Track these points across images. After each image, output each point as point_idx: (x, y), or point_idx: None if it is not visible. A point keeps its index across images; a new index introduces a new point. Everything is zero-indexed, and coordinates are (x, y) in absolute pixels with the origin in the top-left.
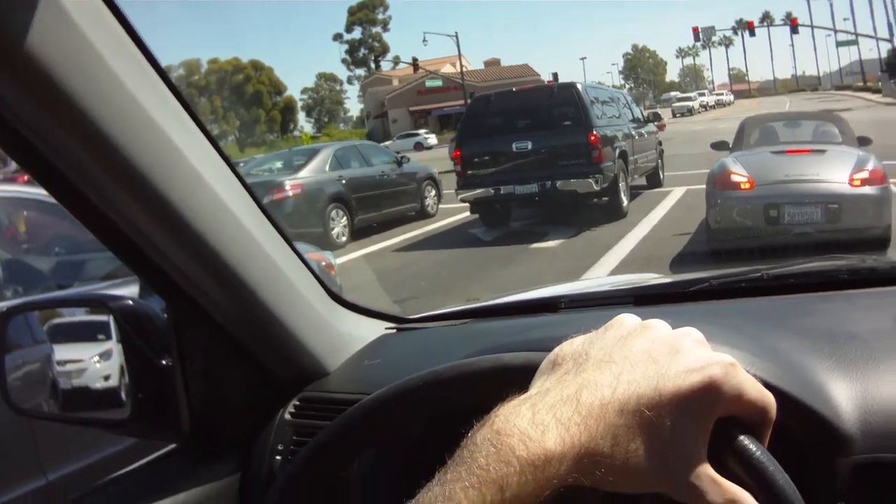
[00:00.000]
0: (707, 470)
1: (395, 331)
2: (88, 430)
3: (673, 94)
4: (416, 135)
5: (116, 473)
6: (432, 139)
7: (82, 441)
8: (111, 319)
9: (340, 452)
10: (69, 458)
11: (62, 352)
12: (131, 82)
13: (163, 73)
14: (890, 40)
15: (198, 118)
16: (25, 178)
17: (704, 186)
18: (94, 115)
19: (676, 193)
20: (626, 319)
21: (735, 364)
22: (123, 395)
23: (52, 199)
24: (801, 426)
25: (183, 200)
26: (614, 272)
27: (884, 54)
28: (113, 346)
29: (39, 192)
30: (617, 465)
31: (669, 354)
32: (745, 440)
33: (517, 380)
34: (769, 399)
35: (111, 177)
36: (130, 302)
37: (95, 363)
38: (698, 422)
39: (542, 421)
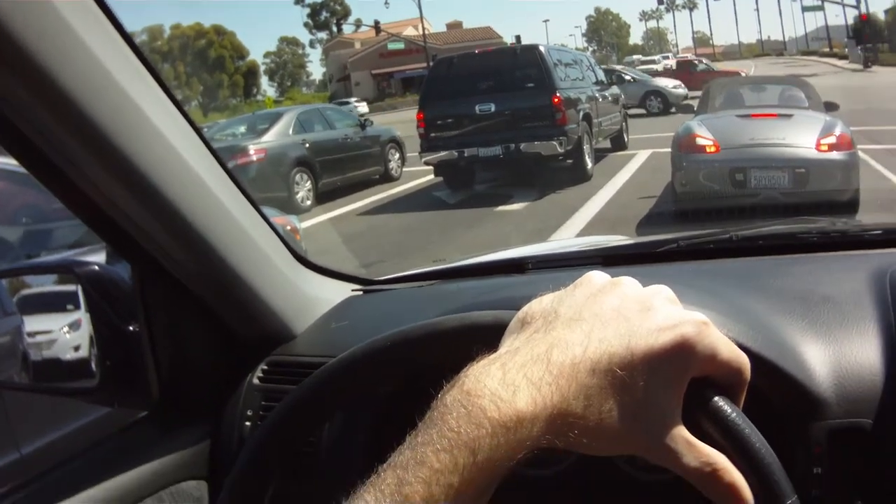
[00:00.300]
0: (682, 431)
1: (361, 293)
2: (61, 402)
3: (635, 57)
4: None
5: (86, 445)
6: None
7: (55, 413)
8: (79, 288)
9: (308, 416)
10: (42, 430)
11: (32, 323)
12: (94, 43)
13: (127, 37)
14: (856, 6)
15: (162, 81)
16: None
17: (669, 150)
18: (58, 77)
19: (641, 156)
20: (595, 277)
21: (708, 323)
22: (93, 365)
23: (16, 168)
24: (775, 389)
25: (146, 161)
26: (580, 234)
27: (850, 20)
28: (82, 316)
29: (3, 161)
30: (590, 426)
31: (641, 312)
32: (719, 401)
33: (486, 339)
34: (743, 359)
35: (76, 140)
36: (96, 267)
37: (65, 334)
38: (671, 381)
39: (512, 381)
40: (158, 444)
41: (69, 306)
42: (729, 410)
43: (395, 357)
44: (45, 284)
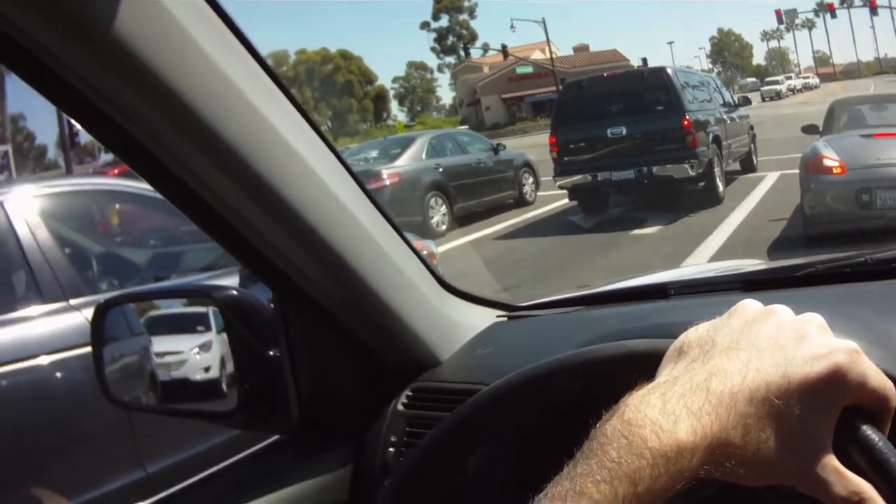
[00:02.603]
0: (832, 461)
1: (506, 319)
2: (185, 422)
3: (750, 80)
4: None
5: (220, 465)
6: None
7: (179, 434)
8: (211, 311)
9: (461, 443)
10: (167, 450)
11: (161, 344)
12: (234, 73)
13: (262, 62)
14: None
15: (297, 104)
16: (116, 171)
17: (797, 171)
18: (199, 107)
19: (770, 178)
20: (750, 305)
21: (859, 351)
22: (224, 387)
23: (144, 192)
24: None
25: (288, 185)
26: (714, 257)
27: None
28: (213, 337)
29: (131, 185)
30: (748, 456)
31: (795, 340)
32: (867, 430)
33: (642, 367)
34: (890, 386)
35: (215, 165)
36: (234, 292)
37: (195, 355)
38: (826, 410)
39: (672, 411)
40: (298, 468)
41: (199, 328)
42: (877, 439)
43: (551, 385)
44: (175, 306)
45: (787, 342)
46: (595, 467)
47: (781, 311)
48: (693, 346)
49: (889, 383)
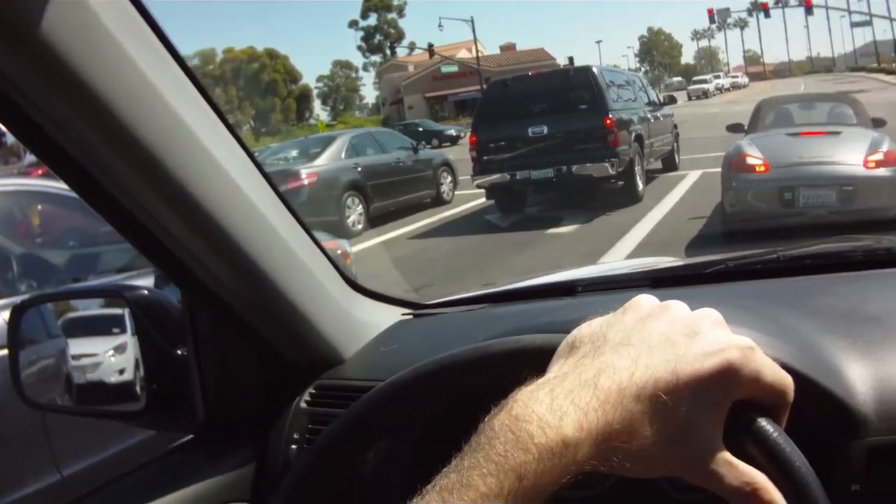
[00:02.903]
0: (723, 454)
1: (411, 317)
2: (102, 425)
3: (676, 79)
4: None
5: (131, 467)
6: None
7: (96, 436)
8: (126, 312)
9: (356, 438)
10: (83, 453)
11: (77, 346)
12: (149, 70)
13: (181, 61)
14: None
15: (215, 105)
16: (40, 171)
17: (720, 169)
18: (111, 103)
19: (692, 177)
20: (644, 301)
21: (753, 347)
22: (138, 389)
23: (65, 192)
24: (816, 408)
25: (198, 185)
26: (631, 256)
27: None
28: (128, 339)
29: (53, 186)
30: (634, 451)
31: (688, 336)
32: (762, 423)
33: (535, 362)
34: (787, 381)
35: (128, 163)
36: (146, 292)
37: (110, 357)
38: (715, 406)
39: (560, 407)
40: (203, 467)
41: (115, 329)
42: (771, 430)
43: (444, 381)
44: (91, 308)
45: (678, 338)
46: (482, 461)
47: (676, 307)
48: (585, 342)
49: (786, 378)
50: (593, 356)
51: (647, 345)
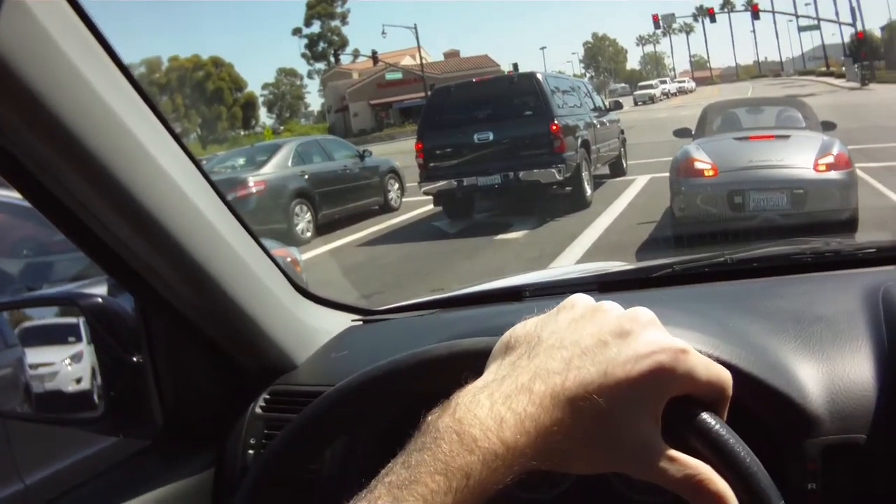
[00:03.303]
0: (662, 448)
1: (361, 323)
2: (65, 432)
3: (619, 85)
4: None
5: (91, 474)
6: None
7: (58, 444)
8: (81, 320)
9: (308, 443)
10: (45, 461)
11: (34, 355)
12: (95, 79)
13: (125, 71)
14: (853, 24)
15: (160, 114)
16: None
17: (668, 174)
18: (59, 112)
19: (640, 182)
20: (578, 301)
21: (686, 350)
22: (96, 398)
23: (18, 202)
24: (769, 409)
25: (146, 194)
26: (579, 262)
27: (847, 39)
28: (84, 348)
29: (5, 195)
30: (572, 451)
31: (619, 337)
32: (704, 416)
33: (473, 365)
34: (724, 375)
35: (76, 171)
36: (100, 300)
37: (67, 366)
38: (648, 406)
39: (499, 412)
40: (162, 473)
41: (71, 338)
42: (713, 423)
43: (389, 385)
44: (47, 317)
45: (610, 339)
46: (429, 459)
47: (608, 307)
48: (521, 342)
49: (723, 372)
50: (528, 357)
51: (580, 347)
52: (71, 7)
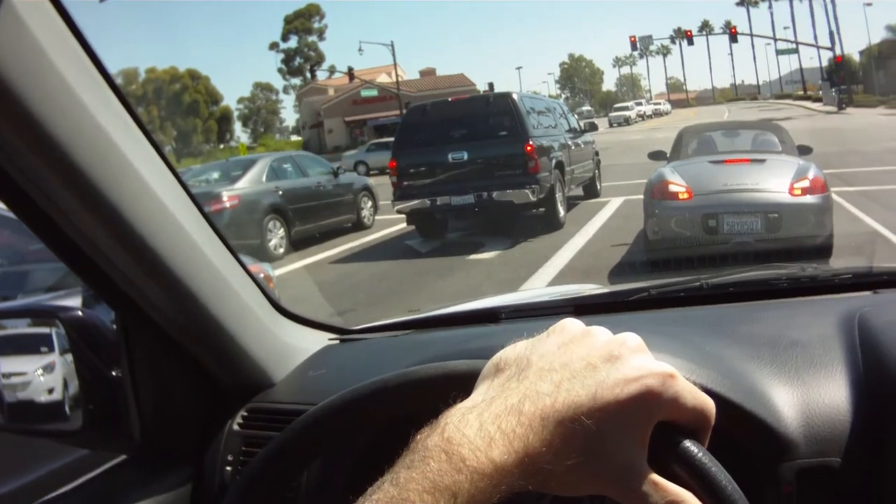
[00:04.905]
0: (647, 474)
1: (338, 342)
2: (37, 443)
3: (586, 108)
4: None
5: (67, 487)
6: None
7: (30, 455)
8: (54, 332)
9: (290, 462)
10: (17, 471)
11: (6, 364)
12: (79, 88)
13: (110, 80)
14: (831, 49)
15: (144, 127)
16: None
17: (642, 196)
18: (42, 119)
19: (614, 203)
20: (569, 325)
21: (673, 374)
22: (67, 409)
23: None
24: (745, 433)
25: (128, 206)
26: (552, 283)
27: (825, 62)
28: (56, 358)
29: None
30: (559, 472)
31: (608, 362)
32: (687, 443)
33: (462, 386)
34: (708, 404)
35: (59, 181)
36: (80, 313)
37: (39, 376)
38: (635, 429)
39: (488, 432)
40: (140, 487)
41: (43, 348)
42: (696, 451)
43: (375, 404)
44: (18, 326)
45: (599, 363)
46: (418, 478)
47: (597, 332)
48: (510, 364)
49: (707, 400)
50: (518, 379)
51: (570, 370)
52: (61, 17)
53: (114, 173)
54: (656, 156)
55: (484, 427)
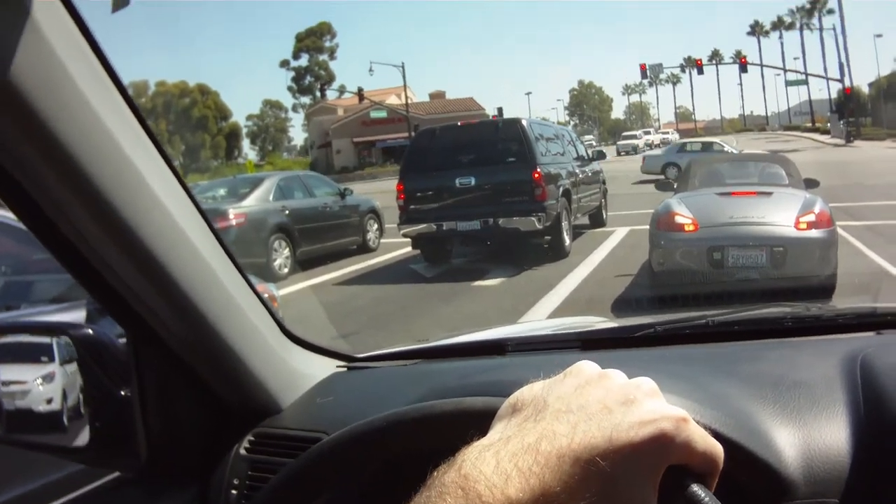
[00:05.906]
0: None
1: (345, 369)
2: (36, 455)
3: (588, 137)
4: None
5: (63, 499)
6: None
7: (29, 467)
8: (55, 342)
9: (304, 489)
10: (15, 482)
11: (5, 372)
12: (93, 98)
13: (124, 92)
14: (841, 80)
15: (157, 140)
16: None
17: (648, 227)
18: (59, 133)
19: (619, 233)
20: (586, 367)
21: (686, 418)
22: (66, 420)
23: None
24: (746, 472)
25: (142, 223)
26: (556, 312)
27: (834, 94)
28: (55, 369)
29: None
30: None
31: (624, 405)
32: (695, 488)
33: (477, 423)
34: (717, 450)
35: (69, 190)
36: (90, 331)
37: (38, 385)
38: (648, 472)
39: (504, 469)
40: None
41: (43, 358)
42: (703, 496)
43: (391, 437)
44: (18, 335)
45: (615, 406)
46: None
47: (613, 375)
48: (527, 405)
49: (716, 447)
50: (535, 420)
51: (586, 412)
52: (78, 29)
53: (125, 186)
54: (663, 186)
55: (501, 465)
